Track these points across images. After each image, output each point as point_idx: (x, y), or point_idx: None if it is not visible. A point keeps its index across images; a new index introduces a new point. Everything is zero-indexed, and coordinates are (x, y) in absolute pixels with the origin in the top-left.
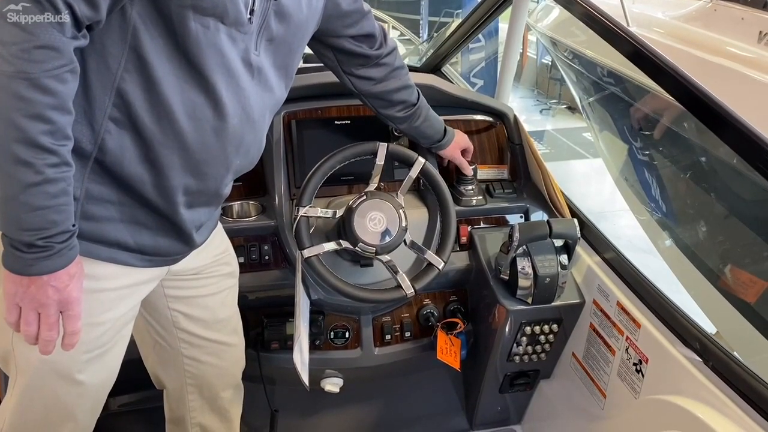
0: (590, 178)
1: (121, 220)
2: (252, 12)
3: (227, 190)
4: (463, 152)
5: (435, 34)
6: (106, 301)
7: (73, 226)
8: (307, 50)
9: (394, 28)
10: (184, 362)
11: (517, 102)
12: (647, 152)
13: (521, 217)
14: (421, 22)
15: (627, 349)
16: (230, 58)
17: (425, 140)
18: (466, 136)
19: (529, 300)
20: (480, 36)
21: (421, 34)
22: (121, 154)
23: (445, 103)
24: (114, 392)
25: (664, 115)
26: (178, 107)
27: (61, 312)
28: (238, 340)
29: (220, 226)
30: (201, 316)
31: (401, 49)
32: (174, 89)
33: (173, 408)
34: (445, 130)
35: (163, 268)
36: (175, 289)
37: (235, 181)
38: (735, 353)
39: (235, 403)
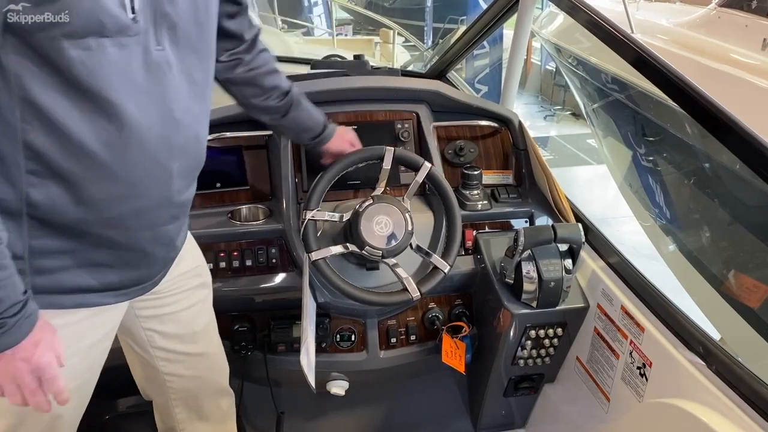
0: (593, 184)
1: (78, 266)
2: (135, 10)
3: (185, 196)
4: (354, 146)
5: (440, 41)
6: (73, 334)
7: (24, 293)
8: (313, 55)
9: (399, 34)
10: (165, 379)
11: (521, 108)
12: (651, 158)
13: (526, 221)
14: (425, 28)
15: (631, 353)
16: (128, 69)
17: (308, 133)
18: (350, 130)
19: (534, 304)
20: (484, 43)
21: (425, 41)
22: (52, 203)
23: (450, 108)
24: (122, 393)
25: (668, 121)
26: (92, 140)
27: (38, 378)
28: (216, 348)
29: (189, 236)
30: (176, 332)
31: (406, 56)
32: (81, 124)
33: (163, 420)
34: (329, 123)
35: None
36: (147, 309)
37: (243, 185)
38: (739, 358)
39: (225, 408)
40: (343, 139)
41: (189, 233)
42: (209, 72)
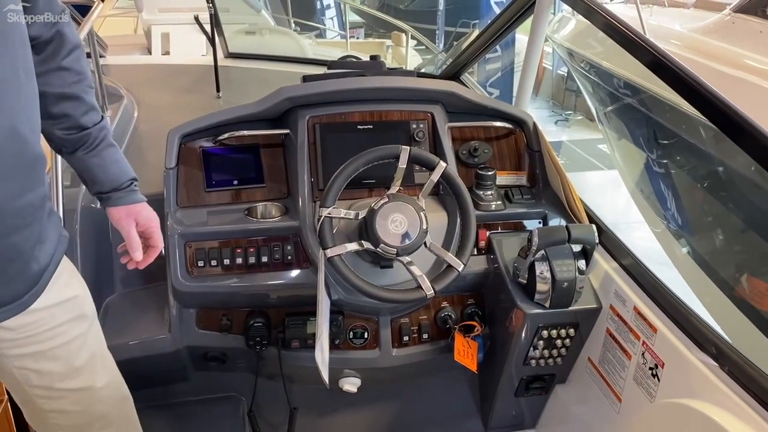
0: (605, 189)
1: None
2: None
3: (23, 201)
4: (143, 235)
5: (455, 44)
6: None
7: None
8: (327, 56)
9: (412, 37)
10: (49, 416)
11: (532, 112)
12: (663, 164)
13: (539, 222)
14: (437, 32)
15: (643, 354)
16: None
17: (94, 186)
18: (155, 217)
19: (547, 304)
20: (497, 47)
21: (437, 44)
22: None
23: (465, 109)
24: (136, 387)
25: (681, 126)
26: None
27: None
28: (106, 380)
29: (62, 267)
30: (54, 369)
31: (418, 59)
32: None
33: None
34: (127, 188)
35: None
36: (15, 349)
37: (259, 182)
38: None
39: None
40: (129, 218)
41: (63, 264)
42: (14, 58)
